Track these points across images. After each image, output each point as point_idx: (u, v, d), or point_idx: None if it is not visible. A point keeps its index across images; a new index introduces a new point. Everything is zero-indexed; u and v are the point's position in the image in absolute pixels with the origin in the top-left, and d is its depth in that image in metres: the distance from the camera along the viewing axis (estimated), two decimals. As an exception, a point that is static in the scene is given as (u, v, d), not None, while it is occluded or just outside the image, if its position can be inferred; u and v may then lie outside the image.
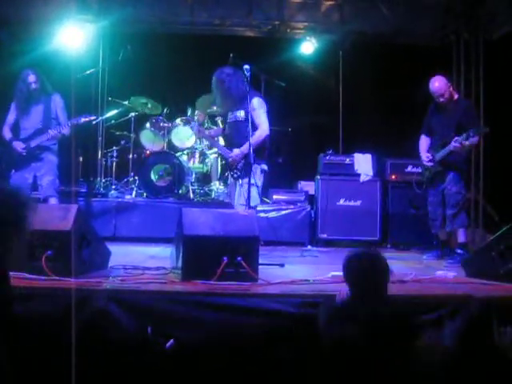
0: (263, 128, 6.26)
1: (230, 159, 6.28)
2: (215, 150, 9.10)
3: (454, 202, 6.51)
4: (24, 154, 6.73)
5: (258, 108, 6.29)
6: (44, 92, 6.87)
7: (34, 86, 6.77)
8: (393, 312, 3.24)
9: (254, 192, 6.15)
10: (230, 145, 6.40)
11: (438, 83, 6.60)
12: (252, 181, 6.08)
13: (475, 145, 6.78)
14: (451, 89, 6.65)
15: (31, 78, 6.76)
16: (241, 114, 6.31)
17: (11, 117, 6.97)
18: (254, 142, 6.07)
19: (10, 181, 6.82)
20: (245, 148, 6.13)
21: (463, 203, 6.61)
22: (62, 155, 6.95)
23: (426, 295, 4.47)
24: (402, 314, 3.28)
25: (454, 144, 6.34)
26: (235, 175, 6.30)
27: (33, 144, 6.73)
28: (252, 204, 6.13)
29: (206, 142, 8.96)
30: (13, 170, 6.83)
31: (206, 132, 7.35)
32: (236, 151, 6.24)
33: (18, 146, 6.75)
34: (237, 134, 6.32)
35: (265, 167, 6.34)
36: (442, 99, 6.57)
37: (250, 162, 5.98)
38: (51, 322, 3.39)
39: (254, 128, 6.19)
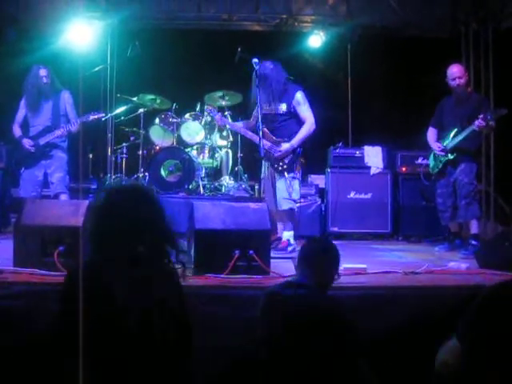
0: (311, 122, 6.28)
1: (279, 153, 6.22)
2: (224, 143, 9.11)
3: (465, 193, 6.48)
4: (33, 151, 6.74)
5: (303, 102, 6.30)
6: (53, 89, 6.87)
7: (45, 80, 6.78)
8: (330, 308, 3.20)
9: (297, 185, 6.32)
10: (272, 136, 6.30)
11: (456, 67, 6.65)
12: (297, 175, 6.31)
13: (493, 128, 6.69)
14: (467, 77, 6.67)
15: (42, 71, 6.77)
16: (282, 107, 6.29)
17: (20, 114, 6.97)
18: (304, 135, 6.22)
19: (21, 178, 6.85)
20: (295, 142, 6.20)
21: (475, 194, 6.58)
22: (72, 152, 6.95)
23: (439, 286, 4.47)
24: (339, 313, 3.17)
25: (477, 122, 6.26)
26: (280, 168, 6.26)
27: (42, 141, 6.74)
28: (295, 197, 6.33)
29: (216, 137, 8.96)
30: (23, 168, 6.85)
31: (237, 123, 7.17)
32: (286, 145, 6.21)
33: (27, 143, 6.76)
34: (279, 127, 6.29)
35: (303, 160, 6.38)
36: (459, 81, 6.52)
37: (298, 154, 6.23)
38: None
39: (300, 122, 6.27)
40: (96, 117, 6.85)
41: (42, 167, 6.81)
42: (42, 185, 6.83)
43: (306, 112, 6.30)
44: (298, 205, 6.64)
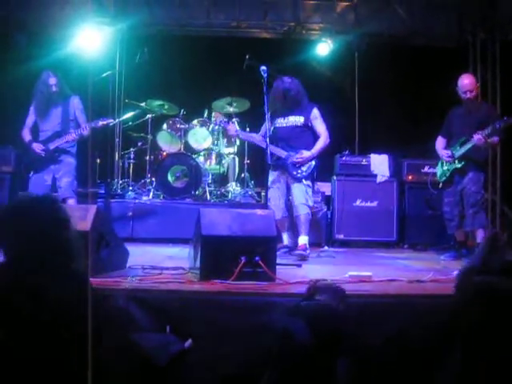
0: (326, 135, 6.68)
1: (300, 159, 6.51)
2: (231, 150, 9.14)
3: (473, 202, 6.49)
4: (43, 155, 6.79)
5: (320, 117, 6.71)
6: (63, 94, 6.92)
7: (54, 88, 6.83)
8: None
9: (311, 193, 6.67)
10: (287, 147, 6.60)
11: (468, 79, 6.70)
12: (309, 183, 6.65)
13: (495, 145, 6.75)
14: (478, 89, 6.72)
15: (52, 80, 6.81)
16: (300, 119, 6.65)
17: (30, 119, 7.03)
18: (321, 148, 6.64)
19: (29, 182, 6.89)
20: (315, 151, 6.60)
21: (482, 203, 6.60)
22: (80, 157, 7.00)
23: (444, 295, 4.47)
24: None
25: (476, 137, 6.31)
26: (299, 175, 6.56)
27: (51, 146, 6.79)
28: (311, 204, 6.69)
29: (223, 143, 9.00)
30: (32, 172, 6.89)
31: (250, 134, 7.36)
32: (307, 153, 6.55)
33: (37, 147, 6.81)
34: (296, 138, 6.63)
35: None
36: (470, 94, 6.56)
37: (315, 165, 6.61)
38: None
39: (314, 135, 6.68)
40: (105, 123, 6.89)
41: (51, 172, 6.86)
42: (51, 189, 6.87)
43: (322, 126, 6.69)
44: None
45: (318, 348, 3.26)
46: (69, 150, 6.91)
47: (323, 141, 6.65)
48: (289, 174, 6.60)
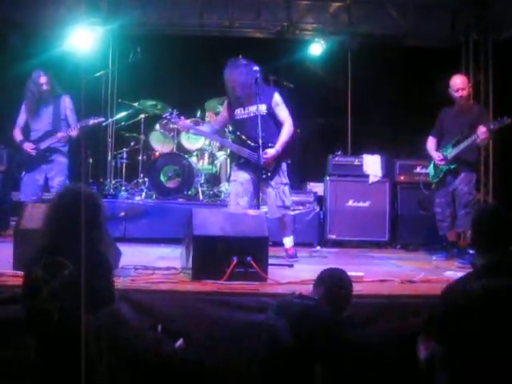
0: (290, 123, 6.10)
1: (265, 161, 5.90)
2: (224, 151, 9.11)
3: (465, 202, 6.51)
4: (34, 154, 6.79)
5: (281, 102, 6.14)
6: (54, 93, 6.92)
7: (45, 87, 6.83)
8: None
9: (287, 191, 6.18)
10: (249, 142, 6.05)
11: (460, 78, 6.72)
12: (284, 180, 6.13)
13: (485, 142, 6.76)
14: (470, 88, 6.73)
15: (42, 79, 6.81)
16: (262, 108, 6.00)
17: (21, 119, 7.04)
18: (286, 138, 6.05)
19: (21, 182, 6.88)
20: (279, 146, 5.98)
21: (474, 204, 6.62)
22: (72, 157, 7.00)
23: (435, 295, 4.48)
24: None
25: (481, 130, 6.26)
26: (264, 176, 6.00)
27: (43, 146, 6.80)
28: (288, 204, 6.20)
29: (216, 143, 8.99)
30: (23, 172, 6.89)
31: (198, 127, 6.92)
32: (271, 152, 5.94)
33: (28, 147, 6.81)
34: (261, 129, 5.81)
35: (288, 161, 6.30)
36: (462, 92, 6.56)
37: (281, 161, 6.05)
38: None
39: (278, 123, 6.11)
40: (96, 121, 6.88)
41: (43, 171, 6.85)
42: (43, 189, 6.87)
43: (284, 112, 6.13)
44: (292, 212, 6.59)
45: (297, 348, 3.28)
46: (60, 150, 6.91)
47: (287, 130, 6.04)
48: (255, 176, 6.05)
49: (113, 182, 8.94)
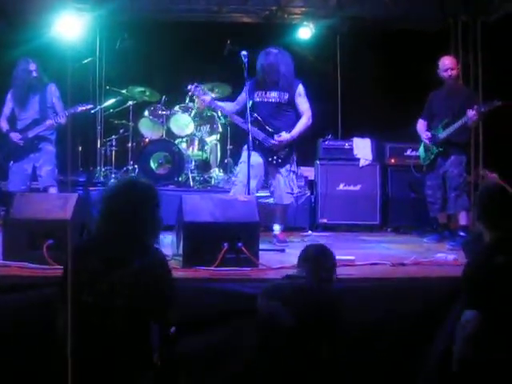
0: (309, 115, 6.28)
1: (276, 142, 6.13)
2: (215, 137, 9.08)
3: (455, 185, 6.54)
4: (21, 144, 6.74)
5: (304, 94, 6.30)
6: (40, 82, 6.87)
7: (34, 74, 6.79)
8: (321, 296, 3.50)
9: (295, 179, 6.36)
10: (266, 127, 6.21)
11: (449, 59, 6.78)
12: (294, 168, 6.30)
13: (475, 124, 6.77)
14: (459, 69, 6.74)
15: (32, 66, 6.77)
16: (285, 96, 6.21)
17: (7, 108, 6.96)
18: (302, 129, 6.23)
19: (9, 172, 6.84)
20: (295, 133, 6.17)
21: (464, 186, 6.64)
22: (61, 145, 6.95)
23: (426, 277, 4.50)
24: None
25: (470, 113, 6.31)
26: (275, 162, 6.20)
27: (30, 134, 6.74)
28: (294, 191, 6.39)
29: (206, 129, 8.95)
30: (11, 162, 6.85)
31: (219, 103, 6.91)
32: (286, 136, 6.14)
33: (15, 136, 6.76)
34: (278, 117, 6.21)
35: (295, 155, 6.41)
36: (451, 72, 6.59)
37: (293, 149, 6.22)
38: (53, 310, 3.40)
39: (297, 114, 6.25)
40: (84, 108, 6.84)
41: (31, 160, 6.81)
42: (31, 178, 6.83)
43: (305, 104, 6.29)
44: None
45: (300, 330, 3.29)
46: (48, 138, 6.86)
47: (305, 121, 6.24)
48: (266, 160, 6.24)
49: (103, 169, 8.90)
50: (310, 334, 3.34)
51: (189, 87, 6.78)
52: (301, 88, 6.28)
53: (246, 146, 6.15)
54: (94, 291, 2.91)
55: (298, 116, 6.29)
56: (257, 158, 6.18)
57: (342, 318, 3.51)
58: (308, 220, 8.02)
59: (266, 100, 6.25)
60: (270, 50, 6.25)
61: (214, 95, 8.84)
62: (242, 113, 6.35)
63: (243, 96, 6.31)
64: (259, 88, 6.25)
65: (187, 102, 9.10)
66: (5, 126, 6.91)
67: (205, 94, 6.78)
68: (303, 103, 6.28)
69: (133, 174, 7.82)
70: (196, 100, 8.52)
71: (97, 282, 2.92)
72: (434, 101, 6.87)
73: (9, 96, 6.94)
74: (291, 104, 6.25)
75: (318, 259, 3.66)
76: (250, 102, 6.11)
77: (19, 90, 6.85)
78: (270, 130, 6.18)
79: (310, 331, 3.33)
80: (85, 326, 2.87)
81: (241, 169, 6.23)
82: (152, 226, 3.21)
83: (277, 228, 6.36)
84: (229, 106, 6.64)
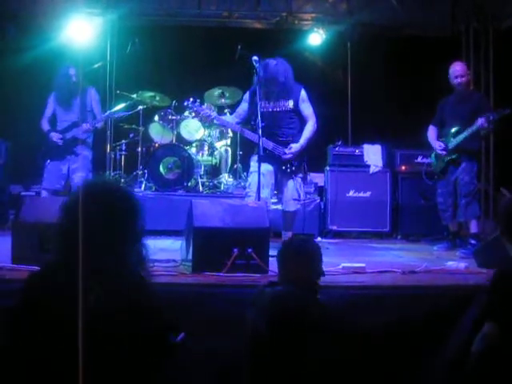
0: (314, 120, 6.23)
1: (289, 155, 6.10)
2: (224, 142, 9.07)
3: (466, 192, 6.49)
4: (60, 143, 6.95)
5: (307, 99, 6.26)
6: (81, 85, 7.03)
7: (74, 78, 6.98)
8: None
9: (302, 184, 6.31)
10: (274, 136, 6.16)
11: (459, 65, 6.73)
12: (303, 175, 6.27)
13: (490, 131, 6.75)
14: (469, 76, 6.70)
15: (72, 70, 6.96)
16: (289, 104, 6.18)
17: (49, 110, 7.17)
18: (309, 135, 6.19)
19: (45, 170, 7.01)
20: (304, 141, 6.13)
21: (475, 193, 6.60)
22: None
23: (437, 286, 4.46)
24: None
25: (480, 121, 6.27)
26: (289, 170, 6.17)
27: (69, 135, 6.97)
28: (302, 197, 6.37)
29: (216, 134, 8.93)
30: (48, 160, 7.01)
31: (223, 118, 6.92)
32: (296, 146, 6.11)
33: (55, 136, 6.98)
34: (284, 125, 6.19)
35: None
36: (461, 79, 6.56)
37: (303, 157, 6.16)
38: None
39: (302, 120, 6.23)
40: (120, 111, 7.24)
41: (67, 162, 7.01)
42: (66, 178, 6.98)
43: (309, 109, 6.25)
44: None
45: (273, 339, 3.20)
46: (86, 141, 7.09)
47: (311, 127, 6.19)
48: (278, 168, 6.19)
49: (112, 174, 8.89)
50: (283, 340, 3.19)
51: (185, 103, 6.65)
52: (303, 93, 6.25)
53: (254, 157, 6.15)
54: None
55: (303, 121, 6.25)
56: (267, 167, 6.14)
57: (318, 323, 3.25)
58: (317, 226, 7.98)
59: (270, 110, 6.20)
60: (267, 62, 6.20)
61: (223, 100, 8.85)
62: (244, 123, 6.35)
63: (243, 107, 6.35)
64: (262, 98, 6.15)
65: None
66: (46, 127, 7.12)
67: (208, 109, 6.77)
68: (307, 108, 6.25)
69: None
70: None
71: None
72: (444, 107, 6.84)
73: (51, 98, 7.14)
74: (295, 111, 6.22)
75: (290, 261, 3.46)
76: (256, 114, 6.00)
77: (62, 94, 7.06)
78: (280, 138, 6.16)
79: (281, 338, 3.19)
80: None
81: (252, 179, 6.17)
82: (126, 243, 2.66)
83: (285, 234, 6.33)
84: (230, 119, 6.65)
